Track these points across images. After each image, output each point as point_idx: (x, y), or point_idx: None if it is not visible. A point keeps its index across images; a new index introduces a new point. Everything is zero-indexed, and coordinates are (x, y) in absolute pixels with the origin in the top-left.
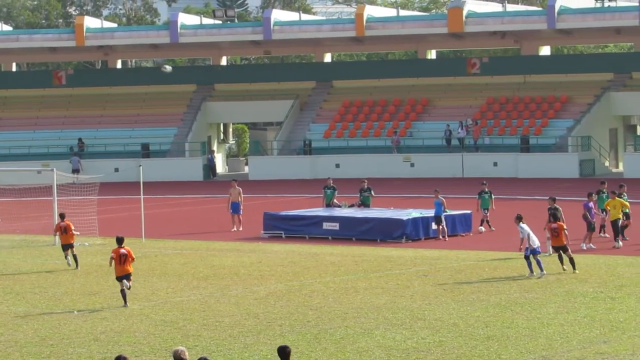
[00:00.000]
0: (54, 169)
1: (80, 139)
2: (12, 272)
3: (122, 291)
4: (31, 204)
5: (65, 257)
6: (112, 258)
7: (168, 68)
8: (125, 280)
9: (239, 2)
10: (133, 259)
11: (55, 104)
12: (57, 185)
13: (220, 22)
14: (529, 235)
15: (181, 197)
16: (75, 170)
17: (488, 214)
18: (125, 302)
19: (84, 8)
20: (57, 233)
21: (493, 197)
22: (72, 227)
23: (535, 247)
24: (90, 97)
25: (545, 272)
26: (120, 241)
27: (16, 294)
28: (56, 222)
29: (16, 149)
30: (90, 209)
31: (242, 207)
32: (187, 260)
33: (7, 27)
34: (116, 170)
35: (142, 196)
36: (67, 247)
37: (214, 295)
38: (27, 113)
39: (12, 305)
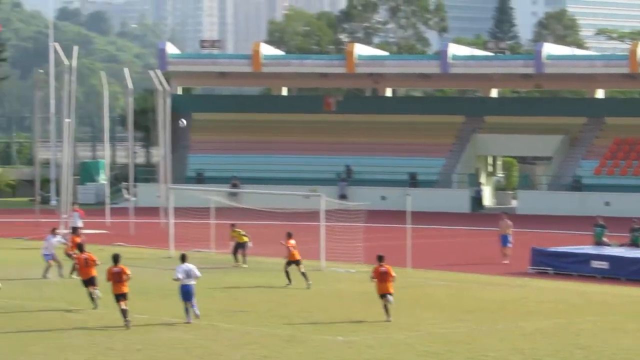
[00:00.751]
0: (322, 195)
1: (348, 166)
2: (278, 296)
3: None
4: (298, 228)
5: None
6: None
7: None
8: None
9: (511, 34)
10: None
11: (325, 129)
12: (324, 210)
13: (491, 53)
14: None
15: (447, 228)
16: (342, 197)
17: None
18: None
19: (355, 35)
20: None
21: None
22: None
23: None
24: (359, 124)
25: None
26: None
27: (282, 317)
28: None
29: (285, 173)
30: (356, 236)
31: (511, 241)
32: (452, 292)
33: (279, 52)
34: (383, 198)
35: (408, 225)
36: (87, 282)
37: (479, 328)
38: (297, 138)
39: (277, 328)
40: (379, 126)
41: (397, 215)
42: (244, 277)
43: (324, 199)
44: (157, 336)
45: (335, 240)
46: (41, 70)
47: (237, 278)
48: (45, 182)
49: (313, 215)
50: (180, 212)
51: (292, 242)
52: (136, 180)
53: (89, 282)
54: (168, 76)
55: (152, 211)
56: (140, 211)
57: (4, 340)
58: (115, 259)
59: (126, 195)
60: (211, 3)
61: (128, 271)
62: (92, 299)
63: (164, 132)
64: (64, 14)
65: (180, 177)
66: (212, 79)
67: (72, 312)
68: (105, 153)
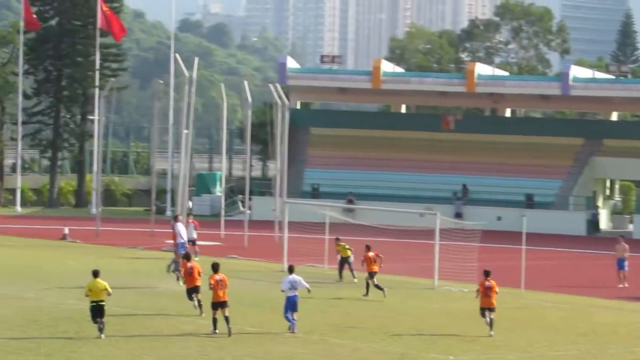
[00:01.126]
0: (437, 213)
1: (464, 185)
2: (389, 313)
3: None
4: (412, 246)
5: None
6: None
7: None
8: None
9: (633, 58)
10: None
11: (442, 148)
12: (439, 229)
13: (613, 77)
14: None
15: (563, 250)
16: (458, 215)
17: None
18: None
19: (476, 54)
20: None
21: None
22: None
23: None
24: (476, 144)
25: None
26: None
27: (393, 334)
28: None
29: (401, 190)
30: (471, 256)
31: (627, 264)
32: (566, 315)
33: (399, 69)
34: (499, 218)
35: (523, 247)
36: (191, 290)
37: (591, 352)
38: (414, 155)
39: (388, 345)
40: (497, 146)
41: (512, 236)
42: (356, 293)
43: (440, 218)
44: (268, 349)
45: (449, 259)
46: (161, 81)
47: (348, 293)
48: (161, 192)
49: (428, 233)
50: (294, 226)
51: (371, 254)
52: (252, 193)
53: (193, 290)
54: (287, 90)
55: (267, 224)
56: (255, 224)
57: (116, 350)
58: (215, 267)
59: (241, 208)
60: (333, 18)
61: (227, 281)
62: (197, 306)
63: (281, 146)
64: (186, 26)
65: (295, 191)
66: (331, 94)
67: (183, 322)
68: (221, 165)
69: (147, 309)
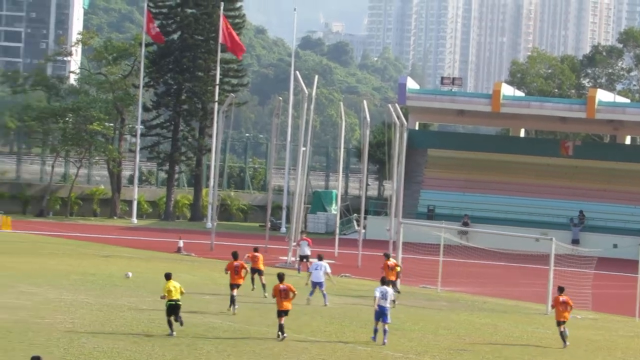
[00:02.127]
0: (553, 238)
1: (581, 211)
2: (502, 337)
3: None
4: (526, 271)
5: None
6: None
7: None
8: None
9: None
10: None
11: (560, 173)
12: (554, 254)
13: None
14: None
15: None
16: (575, 242)
17: None
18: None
19: (598, 81)
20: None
21: None
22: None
23: None
24: (595, 170)
25: None
26: (280, 277)
27: (505, 358)
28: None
29: (516, 215)
30: (586, 282)
31: None
32: None
33: (519, 93)
34: (615, 246)
35: (639, 275)
36: (282, 313)
37: None
38: (531, 180)
39: None
40: (615, 173)
41: (629, 264)
42: (469, 316)
43: (555, 243)
44: None
45: (563, 285)
46: (280, 98)
47: (462, 316)
48: (277, 208)
49: (542, 258)
50: (408, 246)
51: (390, 262)
52: (367, 212)
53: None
54: (406, 111)
55: (381, 244)
56: (369, 243)
57: None
58: (280, 277)
59: (356, 227)
60: (454, 40)
61: (294, 289)
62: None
63: (398, 166)
64: (307, 43)
65: (411, 211)
66: (450, 116)
67: (294, 338)
68: (338, 183)
69: (257, 324)
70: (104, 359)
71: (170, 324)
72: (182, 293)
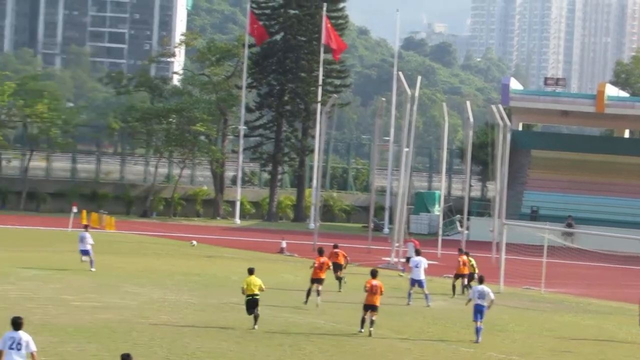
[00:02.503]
0: None
1: None
2: (606, 339)
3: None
4: (631, 272)
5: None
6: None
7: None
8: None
9: None
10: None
11: None
12: None
13: None
14: None
15: None
16: None
17: None
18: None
19: None
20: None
21: None
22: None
23: None
24: None
25: None
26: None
27: None
28: None
29: (620, 216)
30: None
31: None
32: None
33: (624, 93)
34: None
35: None
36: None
37: None
38: (636, 181)
39: None
40: None
41: None
42: (574, 318)
43: None
44: None
45: None
46: (383, 99)
47: (566, 317)
48: (380, 209)
49: None
50: (512, 247)
51: (464, 258)
52: (470, 213)
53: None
54: (509, 111)
55: (484, 245)
56: (472, 244)
57: None
58: (374, 273)
59: (459, 228)
60: (558, 41)
61: (383, 288)
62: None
63: (501, 167)
64: (410, 44)
65: (514, 212)
66: (553, 116)
67: (396, 340)
68: (441, 184)
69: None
70: (207, 359)
71: (251, 315)
72: (261, 290)
